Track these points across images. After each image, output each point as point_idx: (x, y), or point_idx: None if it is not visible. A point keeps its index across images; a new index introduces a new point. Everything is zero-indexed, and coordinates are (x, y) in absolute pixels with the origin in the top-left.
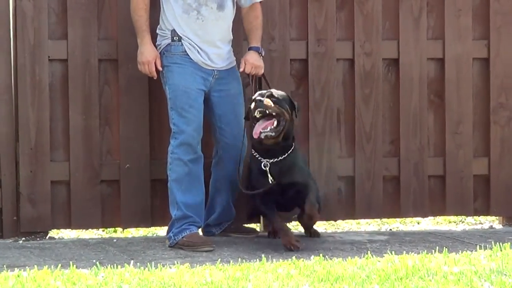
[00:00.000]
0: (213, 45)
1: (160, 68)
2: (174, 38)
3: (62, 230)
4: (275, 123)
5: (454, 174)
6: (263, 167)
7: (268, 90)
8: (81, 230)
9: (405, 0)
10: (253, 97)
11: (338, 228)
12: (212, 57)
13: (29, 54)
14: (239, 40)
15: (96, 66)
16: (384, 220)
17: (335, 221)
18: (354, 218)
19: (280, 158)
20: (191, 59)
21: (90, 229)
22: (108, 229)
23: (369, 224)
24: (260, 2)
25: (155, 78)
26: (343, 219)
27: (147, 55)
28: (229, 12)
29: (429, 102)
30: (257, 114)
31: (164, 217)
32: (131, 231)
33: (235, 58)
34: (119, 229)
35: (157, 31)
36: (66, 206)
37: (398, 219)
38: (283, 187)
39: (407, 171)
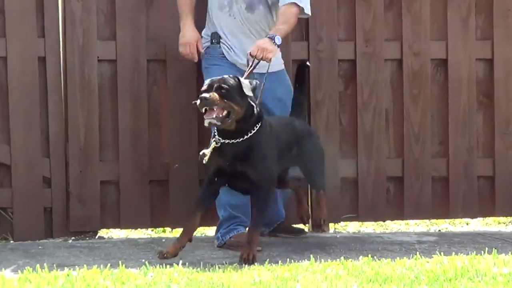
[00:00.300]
0: (242, 48)
1: (202, 50)
2: (213, 40)
3: (111, 229)
4: (224, 113)
5: (503, 175)
6: (213, 142)
7: (221, 77)
8: (130, 229)
9: (453, 1)
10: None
11: (386, 229)
12: (242, 56)
13: (78, 55)
14: (287, 41)
15: (145, 66)
16: (433, 220)
17: (384, 221)
18: (402, 219)
19: (235, 140)
20: (229, 60)
21: (139, 229)
22: (157, 229)
23: (418, 225)
24: (295, 3)
25: (195, 60)
26: (392, 219)
27: (188, 37)
28: (260, 15)
29: (478, 103)
30: (203, 110)
31: (212, 217)
32: (180, 231)
33: (282, 62)
34: (168, 229)
35: (202, 34)
36: (115, 206)
37: (447, 220)
38: (232, 173)
39: (456, 171)
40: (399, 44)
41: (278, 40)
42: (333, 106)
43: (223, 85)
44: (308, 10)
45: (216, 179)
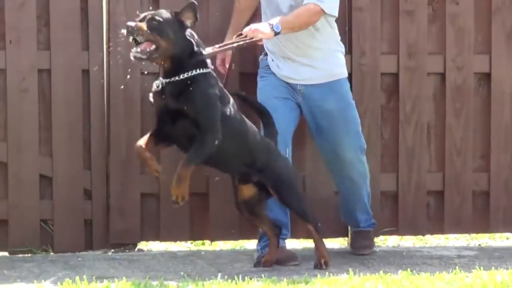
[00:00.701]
0: (288, 59)
1: (227, 65)
2: (263, 53)
3: (150, 242)
4: (152, 47)
5: None
6: (155, 86)
7: (157, 11)
8: (170, 242)
9: (497, 15)
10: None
11: (426, 243)
12: (287, 71)
13: (122, 68)
14: None
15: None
16: (473, 235)
17: (423, 235)
18: (442, 233)
19: (174, 78)
20: (274, 72)
21: (178, 242)
22: (196, 241)
23: (458, 239)
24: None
25: (223, 72)
26: (432, 233)
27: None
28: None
29: None
30: (131, 40)
31: (252, 230)
32: (219, 243)
33: (338, 72)
34: (207, 242)
35: None
36: (155, 218)
37: (487, 234)
38: (173, 114)
39: (497, 186)
40: (442, 58)
41: (277, 28)
42: (375, 119)
43: (155, 17)
44: (330, 10)
45: (160, 125)
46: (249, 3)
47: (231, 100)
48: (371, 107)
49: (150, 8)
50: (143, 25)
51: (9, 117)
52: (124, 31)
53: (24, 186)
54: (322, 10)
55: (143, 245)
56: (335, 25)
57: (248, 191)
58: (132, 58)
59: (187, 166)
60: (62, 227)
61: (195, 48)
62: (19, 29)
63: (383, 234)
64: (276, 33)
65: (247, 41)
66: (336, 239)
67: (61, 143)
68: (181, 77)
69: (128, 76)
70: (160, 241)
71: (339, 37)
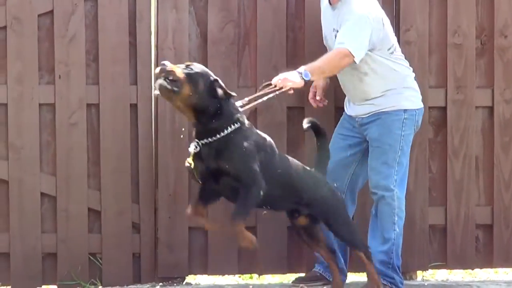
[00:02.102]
0: (349, 101)
1: (318, 98)
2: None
3: (198, 275)
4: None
5: None
6: (192, 148)
7: (195, 63)
8: (218, 276)
9: None
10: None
11: (475, 277)
12: (350, 108)
13: (169, 102)
14: None
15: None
16: None
17: (472, 269)
18: (491, 267)
19: (210, 139)
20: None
21: (226, 275)
22: (244, 275)
23: (507, 273)
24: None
25: (314, 106)
26: (481, 267)
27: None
28: (345, 72)
29: None
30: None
31: (299, 263)
32: (267, 277)
33: (391, 105)
34: (255, 275)
35: None
36: (203, 252)
37: None
38: (213, 174)
39: None
40: (490, 91)
41: (306, 75)
42: (423, 153)
43: (191, 66)
44: (355, 54)
45: (204, 184)
46: None
47: (269, 144)
48: (419, 141)
49: (198, 41)
50: (175, 68)
51: (58, 150)
52: (157, 69)
53: (73, 219)
54: (349, 52)
55: (191, 278)
56: (396, 65)
57: (302, 220)
58: (156, 87)
59: (237, 221)
60: (110, 260)
61: (225, 107)
62: (68, 63)
63: (432, 268)
64: (306, 81)
65: (277, 91)
66: None
67: (110, 177)
68: (215, 137)
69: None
70: (208, 275)
71: (407, 74)
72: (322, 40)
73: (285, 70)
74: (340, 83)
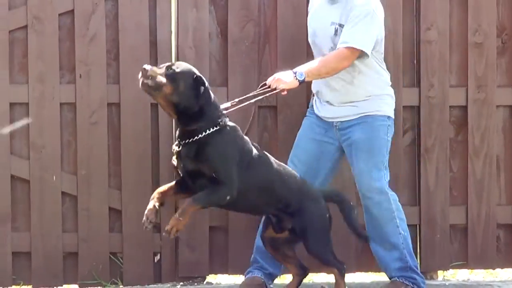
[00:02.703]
0: (324, 102)
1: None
2: (312, 93)
3: (219, 275)
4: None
5: None
6: (174, 147)
7: (178, 63)
8: (238, 275)
9: None
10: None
11: (496, 277)
12: (324, 110)
13: None
14: (399, 87)
15: (256, 112)
16: None
17: (493, 269)
18: None
19: (189, 140)
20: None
21: None
22: None
23: None
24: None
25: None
26: (502, 267)
27: None
28: (335, 80)
29: None
30: (141, 85)
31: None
32: (288, 276)
33: (375, 109)
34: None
35: None
36: (223, 251)
37: None
38: (191, 173)
39: None
40: (511, 90)
41: (300, 76)
42: (443, 152)
43: (172, 66)
44: (360, 45)
45: (184, 180)
46: None
47: (250, 148)
48: (439, 140)
49: (218, 40)
50: (157, 71)
51: (79, 150)
52: (139, 74)
53: (94, 219)
54: (353, 52)
55: (211, 278)
56: (380, 69)
57: (284, 233)
58: (140, 84)
59: (194, 204)
60: (131, 260)
61: (208, 107)
62: (88, 63)
63: (453, 267)
64: (300, 82)
65: (268, 93)
66: None
67: (130, 176)
68: (194, 139)
69: None
70: (229, 274)
71: (387, 82)
72: None
73: None
74: (320, 82)
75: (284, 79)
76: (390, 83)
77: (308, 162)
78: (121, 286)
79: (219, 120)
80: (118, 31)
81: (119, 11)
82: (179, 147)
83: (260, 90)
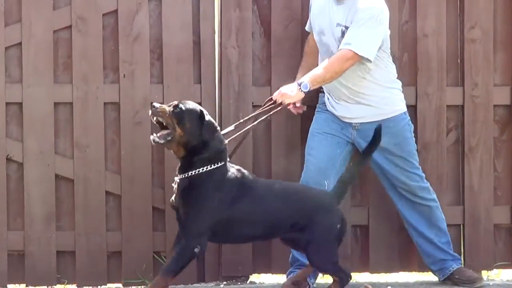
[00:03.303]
0: (340, 100)
1: (298, 105)
2: (321, 90)
3: (262, 274)
4: (167, 132)
5: None
6: (173, 184)
7: (186, 101)
8: (282, 274)
9: None
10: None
11: None
12: (340, 109)
13: (234, 100)
14: (442, 86)
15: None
16: None
17: None
18: None
19: (185, 175)
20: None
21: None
22: None
23: None
24: (350, 50)
25: (295, 113)
26: None
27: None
28: (346, 77)
29: None
30: (153, 119)
31: (364, 263)
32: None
33: (393, 109)
34: (319, 274)
35: None
36: (267, 251)
37: None
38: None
39: None
40: None
41: (305, 87)
42: (487, 151)
43: (180, 105)
44: (362, 52)
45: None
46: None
47: (245, 183)
48: (483, 139)
49: (262, 40)
50: (166, 108)
51: (123, 149)
52: (149, 111)
53: (137, 218)
54: (356, 54)
55: (254, 277)
56: (389, 63)
57: None
58: (151, 141)
59: (165, 277)
60: None
61: (210, 141)
62: (132, 62)
63: (497, 267)
64: (305, 93)
65: (275, 109)
66: None
67: (174, 175)
68: (189, 174)
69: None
70: (272, 274)
71: (396, 75)
72: None
73: None
74: (338, 84)
75: (289, 93)
76: (397, 75)
77: (323, 157)
78: None
79: (216, 159)
80: (161, 31)
81: (163, 10)
82: (176, 183)
83: (266, 107)
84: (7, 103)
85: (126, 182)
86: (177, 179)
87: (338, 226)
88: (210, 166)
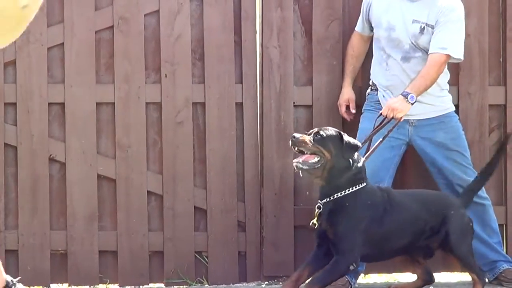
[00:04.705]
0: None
1: (353, 111)
2: (372, 87)
3: None
4: (316, 159)
5: None
6: (316, 208)
7: (324, 127)
8: None
9: None
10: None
11: None
12: None
13: (275, 100)
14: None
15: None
16: None
17: None
18: None
19: (329, 199)
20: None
21: None
22: None
23: None
24: (443, 55)
25: (348, 120)
26: None
27: (340, 98)
28: (417, 63)
29: None
30: (295, 150)
31: (406, 263)
32: (373, 276)
33: (448, 107)
34: (361, 274)
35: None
36: (308, 250)
37: None
38: (323, 233)
39: None
40: None
41: (412, 99)
42: None
43: (320, 132)
44: (458, 55)
45: (318, 247)
46: (363, 49)
47: (387, 201)
48: None
49: (303, 40)
50: (307, 138)
51: (164, 149)
52: (289, 142)
53: (179, 218)
54: (449, 56)
55: None
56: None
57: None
58: (295, 167)
59: (313, 286)
60: (216, 259)
61: (353, 165)
62: (174, 62)
63: None
64: (412, 103)
65: (392, 127)
66: None
67: (215, 175)
68: (332, 197)
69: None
70: None
71: (448, 76)
72: None
73: None
74: (392, 75)
75: (399, 108)
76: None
77: (377, 160)
78: (206, 285)
79: (359, 180)
80: (203, 31)
81: (204, 10)
82: (320, 208)
83: (381, 125)
84: (49, 103)
85: (168, 182)
86: (320, 203)
87: (470, 224)
88: (356, 186)
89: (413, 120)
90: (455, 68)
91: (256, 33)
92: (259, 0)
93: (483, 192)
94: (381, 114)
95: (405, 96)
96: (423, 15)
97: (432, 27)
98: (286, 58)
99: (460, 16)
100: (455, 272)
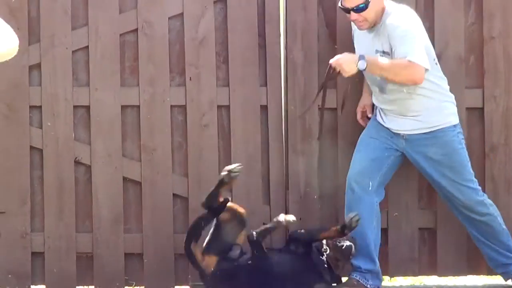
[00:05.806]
0: (387, 115)
1: (370, 115)
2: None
3: None
4: None
5: None
6: None
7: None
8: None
9: None
10: None
11: None
12: (389, 121)
13: (299, 103)
14: None
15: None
16: None
17: None
18: None
19: None
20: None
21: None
22: None
23: None
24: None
25: (364, 126)
26: None
27: (358, 104)
28: (390, 94)
29: None
30: None
31: (431, 266)
32: (399, 279)
33: (440, 122)
34: (387, 277)
35: None
36: None
37: None
38: None
39: None
40: None
41: (361, 65)
42: None
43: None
44: (422, 62)
45: None
46: None
47: None
48: None
49: (327, 42)
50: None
51: (190, 152)
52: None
53: None
54: (411, 62)
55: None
56: (438, 76)
57: None
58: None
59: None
60: None
61: None
62: (198, 66)
63: None
64: (358, 70)
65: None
66: None
67: (240, 178)
68: None
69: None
70: None
71: (447, 88)
72: None
73: None
74: (378, 94)
75: (346, 69)
76: (448, 87)
77: (369, 157)
78: None
79: None
80: (227, 34)
81: (228, 13)
82: None
83: (327, 77)
84: (75, 106)
85: (193, 184)
86: None
87: None
88: None
89: (404, 133)
90: (480, 71)
91: (280, 36)
92: (283, 3)
93: (484, 207)
94: (330, 65)
95: (359, 58)
96: (379, 43)
97: (389, 54)
98: (311, 61)
99: (408, 28)
100: (482, 276)
